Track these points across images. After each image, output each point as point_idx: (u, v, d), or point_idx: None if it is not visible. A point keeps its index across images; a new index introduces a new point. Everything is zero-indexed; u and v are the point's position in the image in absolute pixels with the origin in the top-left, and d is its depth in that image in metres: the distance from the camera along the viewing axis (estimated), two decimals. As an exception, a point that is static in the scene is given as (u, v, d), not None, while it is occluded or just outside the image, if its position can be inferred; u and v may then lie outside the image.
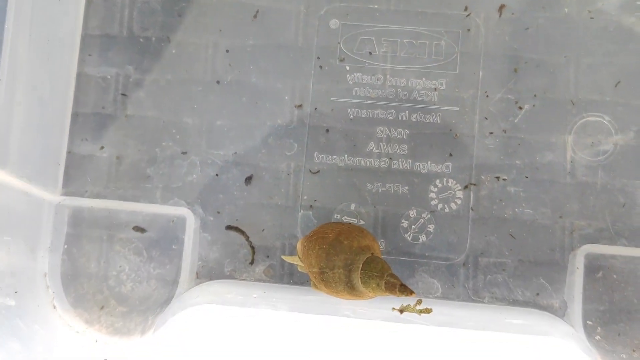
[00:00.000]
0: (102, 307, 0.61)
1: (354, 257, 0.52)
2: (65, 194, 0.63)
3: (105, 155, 0.63)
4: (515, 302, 0.60)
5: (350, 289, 0.52)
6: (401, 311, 0.50)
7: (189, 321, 0.46)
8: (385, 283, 0.51)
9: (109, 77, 0.64)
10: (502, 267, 0.60)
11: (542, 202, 0.60)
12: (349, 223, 0.55)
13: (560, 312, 0.59)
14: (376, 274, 0.51)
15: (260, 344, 0.46)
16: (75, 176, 0.63)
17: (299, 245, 0.57)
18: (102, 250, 0.62)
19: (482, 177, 0.61)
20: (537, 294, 0.60)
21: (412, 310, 0.50)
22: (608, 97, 0.61)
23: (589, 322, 0.58)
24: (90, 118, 0.64)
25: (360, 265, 0.52)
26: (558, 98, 0.61)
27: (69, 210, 0.63)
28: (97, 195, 0.63)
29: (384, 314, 0.49)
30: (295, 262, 0.59)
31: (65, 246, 0.62)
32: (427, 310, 0.50)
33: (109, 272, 0.62)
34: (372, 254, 0.53)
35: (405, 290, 0.50)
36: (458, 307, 0.56)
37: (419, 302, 0.50)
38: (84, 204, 0.63)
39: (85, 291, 0.62)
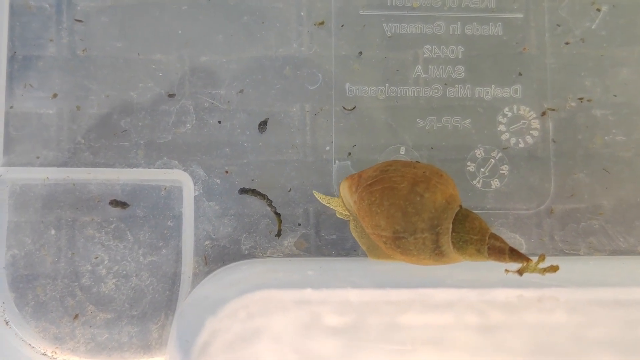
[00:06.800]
0: (75, 317, 0.44)
1: (440, 215, 0.38)
2: (7, 163, 0.45)
3: (60, 106, 0.46)
4: (617, 252, 0.47)
5: (438, 256, 0.38)
6: (520, 273, 0.37)
7: (243, 319, 0.30)
8: (488, 249, 0.37)
9: (49, 2, 0.46)
10: (598, 211, 0.47)
11: (636, 126, 0.48)
12: (418, 162, 0.41)
13: (673, 259, 0.47)
14: (475, 237, 0.37)
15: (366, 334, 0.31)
16: (19, 138, 0.45)
17: (344, 190, 0.42)
18: (68, 237, 0.45)
19: (561, 99, 0.48)
20: (643, 239, 0.47)
21: (534, 270, 0.37)
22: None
23: None
24: (33, 58, 0.46)
25: (451, 226, 0.37)
26: (642, -5, 0.49)
27: (14, 186, 0.45)
28: (53, 163, 0.45)
29: (498, 277, 0.35)
30: (332, 206, 0.44)
31: (13, 237, 0.44)
32: (553, 269, 0.36)
33: (81, 266, 0.45)
34: (461, 206, 0.39)
35: (518, 255, 0.37)
36: (569, 262, 0.43)
37: (542, 258, 0.36)
38: (35, 175, 0.45)
39: (49, 296, 0.44)
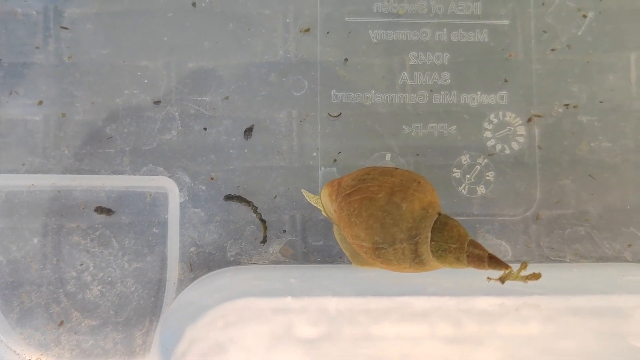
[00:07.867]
0: (60, 323, 0.44)
1: (419, 224, 0.37)
2: (-7, 170, 0.45)
3: (46, 113, 0.46)
4: (603, 258, 0.47)
5: (418, 265, 0.38)
6: (502, 280, 0.36)
7: (224, 327, 0.30)
8: (467, 256, 0.37)
9: (36, 9, 0.46)
10: (584, 217, 0.47)
11: (622, 132, 0.48)
12: (395, 168, 0.41)
13: (659, 265, 0.47)
14: (454, 246, 0.37)
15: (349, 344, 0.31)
16: (5, 145, 0.45)
17: (325, 198, 0.42)
18: (53, 244, 0.45)
19: (547, 105, 0.48)
20: (629, 245, 0.47)
21: (516, 278, 0.36)
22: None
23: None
24: (19, 65, 0.46)
25: (430, 235, 0.37)
26: None
27: (0, 193, 0.45)
28: (39, 169, 0.45)
29: (481, 285, 0.35)
30: (319, 206, 0.44)
31: (-1, 244, 0.45)
32: (536, 276, 0.36)
33: (66, 273, 0.45)
34: (439, 213, 0.39)
35: (497, 263, 0.36)
36: (553, 269, 0.43)
37: (524, 265, 0.36)
38: (21, 182, 0.45)
39: (34, 303, 0.44)
